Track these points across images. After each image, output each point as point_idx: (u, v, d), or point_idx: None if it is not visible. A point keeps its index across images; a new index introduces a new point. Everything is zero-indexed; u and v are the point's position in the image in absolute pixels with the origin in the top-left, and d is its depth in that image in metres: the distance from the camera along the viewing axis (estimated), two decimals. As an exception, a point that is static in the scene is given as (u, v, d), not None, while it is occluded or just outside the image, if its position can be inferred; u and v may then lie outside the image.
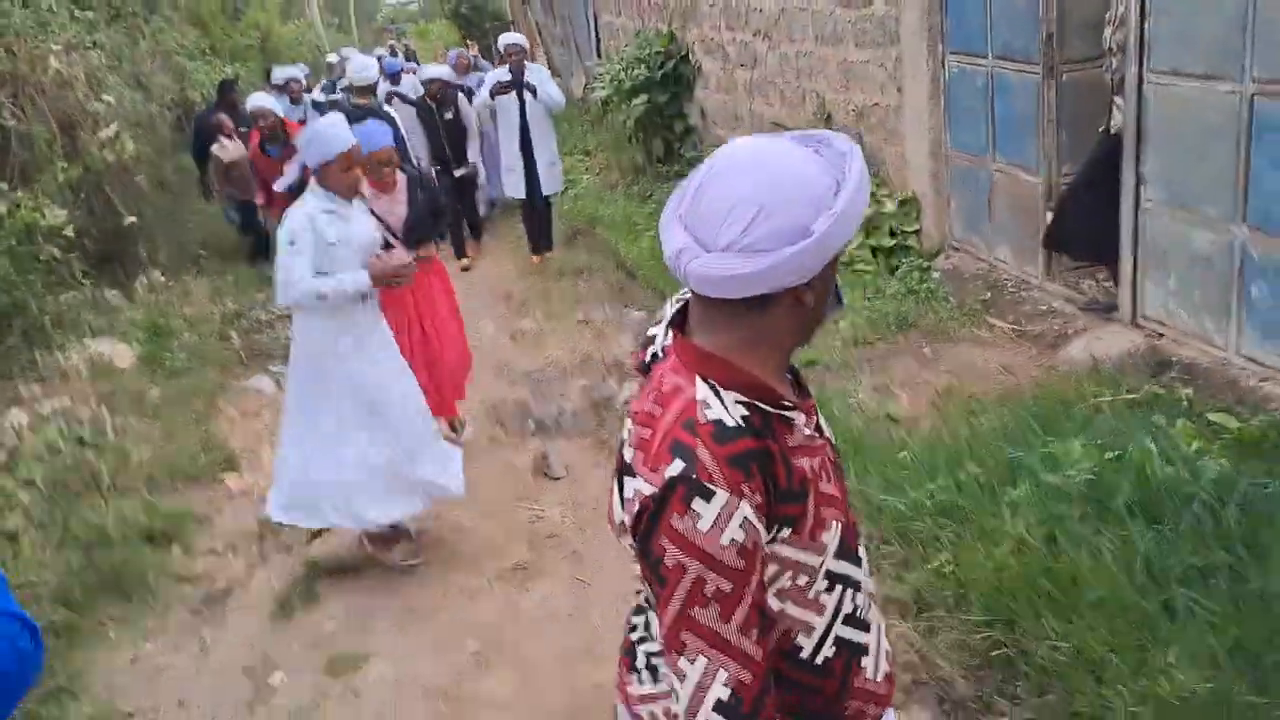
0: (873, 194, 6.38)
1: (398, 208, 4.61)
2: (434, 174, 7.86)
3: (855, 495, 3.51)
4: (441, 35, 25.49)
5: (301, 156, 3.93)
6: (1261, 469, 3.14)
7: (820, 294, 1.31)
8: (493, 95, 8.05)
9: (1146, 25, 4.29)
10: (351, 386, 3.82)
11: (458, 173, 8.57)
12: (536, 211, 8.53)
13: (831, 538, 1.36)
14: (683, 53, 9.83)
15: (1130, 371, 4.32)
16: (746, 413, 1.28)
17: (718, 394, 1.28)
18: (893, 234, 6.27)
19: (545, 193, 8.40)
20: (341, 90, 10.87)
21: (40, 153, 7.60)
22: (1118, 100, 4.50)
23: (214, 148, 8.68)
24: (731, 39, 8.71)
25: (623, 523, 1.37)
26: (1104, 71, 4.63)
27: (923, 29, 5.86)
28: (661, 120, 10.00)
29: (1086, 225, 4.73)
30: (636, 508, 1.28)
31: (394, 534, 4.31)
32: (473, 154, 8.73)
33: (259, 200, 7.95)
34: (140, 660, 3.87)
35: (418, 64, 14.74)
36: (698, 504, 1.21)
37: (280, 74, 10.18)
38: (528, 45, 8.32)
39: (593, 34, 13.72)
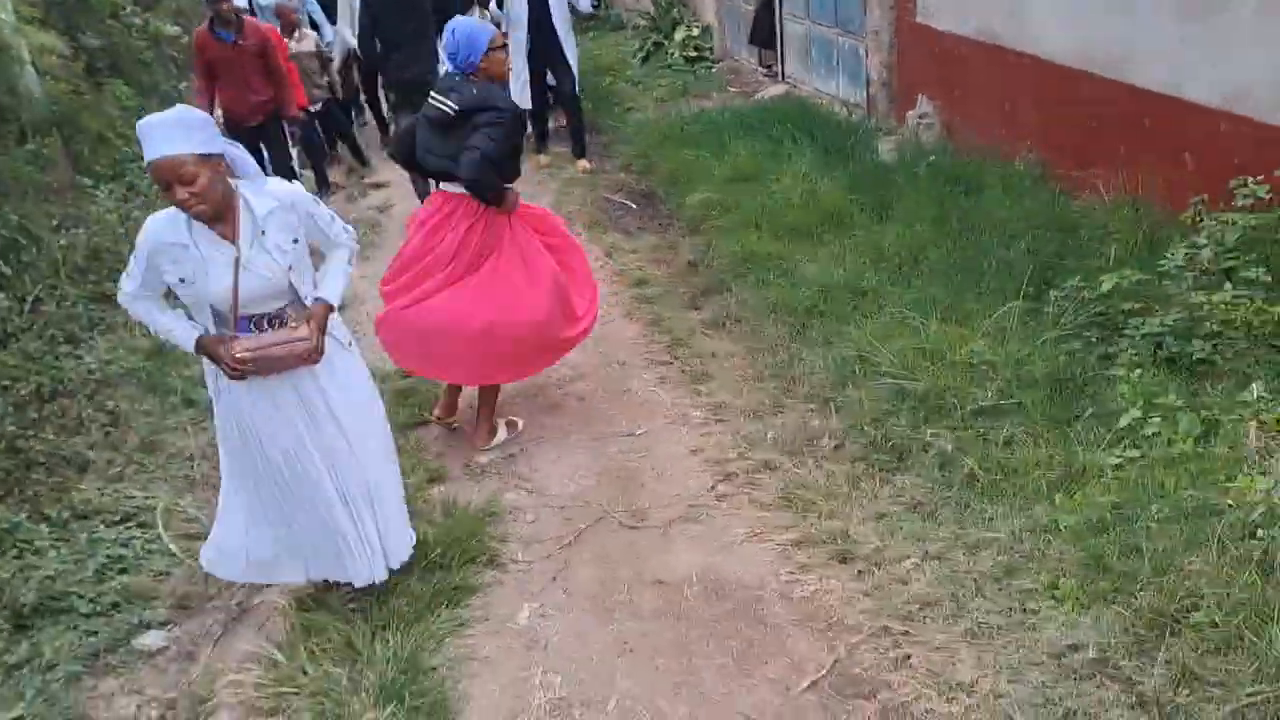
0: (686, 23, 10.86)
1: None
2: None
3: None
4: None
5: None
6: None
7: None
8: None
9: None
10: None
11: None
12: (571, 113, 8.16)
13: None
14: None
15: (780, 103, 8.87)
16: None
17: None
18: (697, 49, 10.71)
19: (577, 90, 7.97)
20: None
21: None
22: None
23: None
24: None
25: None
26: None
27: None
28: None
29: (764, 29, 9.24)
30: None
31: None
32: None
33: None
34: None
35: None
36: None
37: None
38: None
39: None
